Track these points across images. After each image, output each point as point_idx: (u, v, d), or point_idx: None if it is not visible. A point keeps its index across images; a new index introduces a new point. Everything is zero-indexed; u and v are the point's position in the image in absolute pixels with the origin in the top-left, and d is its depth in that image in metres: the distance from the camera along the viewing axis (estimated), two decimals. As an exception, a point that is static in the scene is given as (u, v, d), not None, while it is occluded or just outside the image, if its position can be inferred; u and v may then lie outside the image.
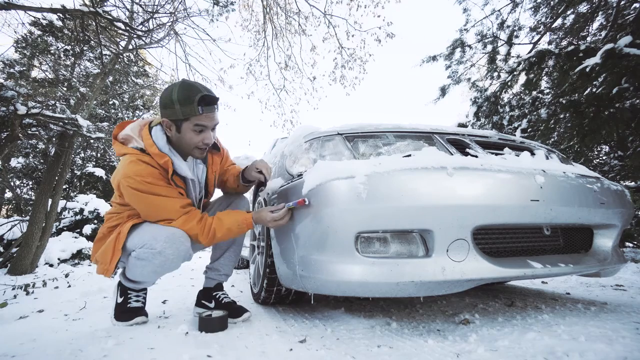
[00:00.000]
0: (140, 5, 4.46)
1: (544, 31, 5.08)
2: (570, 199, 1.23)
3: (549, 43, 5.20)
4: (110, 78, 6.64)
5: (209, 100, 1.21)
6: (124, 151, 1.25)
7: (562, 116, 3.37)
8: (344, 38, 7.07)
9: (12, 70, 5.09)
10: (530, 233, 1.30)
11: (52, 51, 5.32)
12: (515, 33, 5.20)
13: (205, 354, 0.95)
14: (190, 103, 1.18)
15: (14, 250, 4.39)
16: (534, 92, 4.39)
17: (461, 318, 1.26)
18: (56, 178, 4.49)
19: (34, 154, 7.59)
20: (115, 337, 1.14)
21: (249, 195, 3.13)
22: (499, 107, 4.84)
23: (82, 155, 9.11)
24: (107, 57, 5.07)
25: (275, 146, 2.95)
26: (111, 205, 1.40)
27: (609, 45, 2.64)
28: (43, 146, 6.67)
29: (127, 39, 5.11)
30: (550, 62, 3.25)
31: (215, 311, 1.32)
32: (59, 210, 5.61)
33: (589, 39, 4.75)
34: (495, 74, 5.32)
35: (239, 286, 2.36)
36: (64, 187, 6.92)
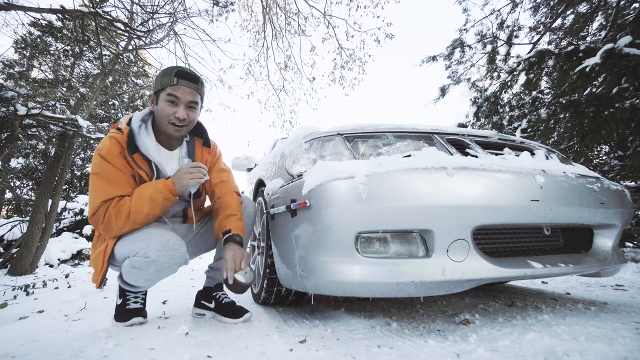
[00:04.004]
0: (140, 6, 4.46)
1: (543, 31, 5.08)
2: (570, 199, 1.23)
3: (549, 43, 5.20)
4: (110, 78, 6.64)
5: (186, 75, 1.26)
6: (110, 133, 1.29)
7: (562, 116, 3.37)
8: (343, 38, 7.10)
9: (11, 70, 5.09)
10: (530, 233, 1.30)
11: (51, 52, 5.32)
12: (515, 33, 5.21)
13: (205, 354, 0.95)
14: (168, 74, 1.24)
15: (14, 250, 4.39)
16: (534, 92, 4.40)
17: (461, 318, 1.26)
18: (56, 178, 4.49)
19: (34, 155, 7.59)
20: (116, 337, 1.14)
21: (249, 195, 3.13)
22: (498, 107, 4.84)
23: (82, 155, 9.10)
24: (106, 57, 5.07)
25: (275, 146, 2.95)
26: None
27: (608, 45, 2.64)
28: (43, 147, 6.66)
29: (126, 40, 5.11)
30: (550, 62, 3.25)
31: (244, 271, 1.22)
32: (59, 210, 5.61)
33: (588, 39, 4.75)
34: (495, 74, 5.32)
35: (239, 286, 2.36)
36: (64, 187, 6.92)
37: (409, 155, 1.16)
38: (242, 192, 3.92)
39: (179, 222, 1.46)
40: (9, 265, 4.03)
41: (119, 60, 5.51)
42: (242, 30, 7.37)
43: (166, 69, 1.29)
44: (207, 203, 1.59)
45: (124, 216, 1.18)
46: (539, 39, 5.03)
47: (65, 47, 5.23)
